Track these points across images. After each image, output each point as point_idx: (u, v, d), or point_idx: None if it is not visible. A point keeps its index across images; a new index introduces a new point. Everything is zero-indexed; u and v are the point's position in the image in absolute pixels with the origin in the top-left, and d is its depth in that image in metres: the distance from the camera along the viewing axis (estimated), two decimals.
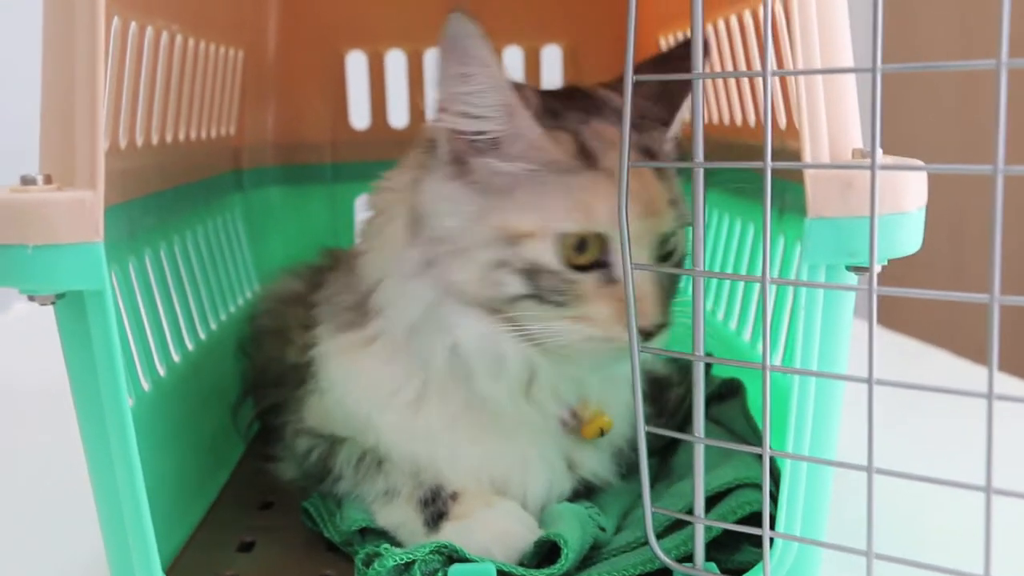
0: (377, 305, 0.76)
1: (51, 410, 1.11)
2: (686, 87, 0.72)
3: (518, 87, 0.71)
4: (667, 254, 0.72)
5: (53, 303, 0.58)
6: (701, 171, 0.58)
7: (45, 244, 0.55)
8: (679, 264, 0.73)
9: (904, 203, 0.57)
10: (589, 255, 0.69)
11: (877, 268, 0.55)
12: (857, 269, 0.59)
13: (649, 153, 0.71)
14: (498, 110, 0.68)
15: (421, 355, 0.74)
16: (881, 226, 0.55)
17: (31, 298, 0.58)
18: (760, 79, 0.77)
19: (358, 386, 0.77)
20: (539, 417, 0.75)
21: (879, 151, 0.52)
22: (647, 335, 0.67)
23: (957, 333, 1.56)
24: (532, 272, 0.69)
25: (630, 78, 0.58)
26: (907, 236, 0.58)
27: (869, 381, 0.53)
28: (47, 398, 1.16)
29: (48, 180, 0.58)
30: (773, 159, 0.54)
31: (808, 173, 0.56)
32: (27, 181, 0.57)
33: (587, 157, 0.69)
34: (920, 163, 0.56)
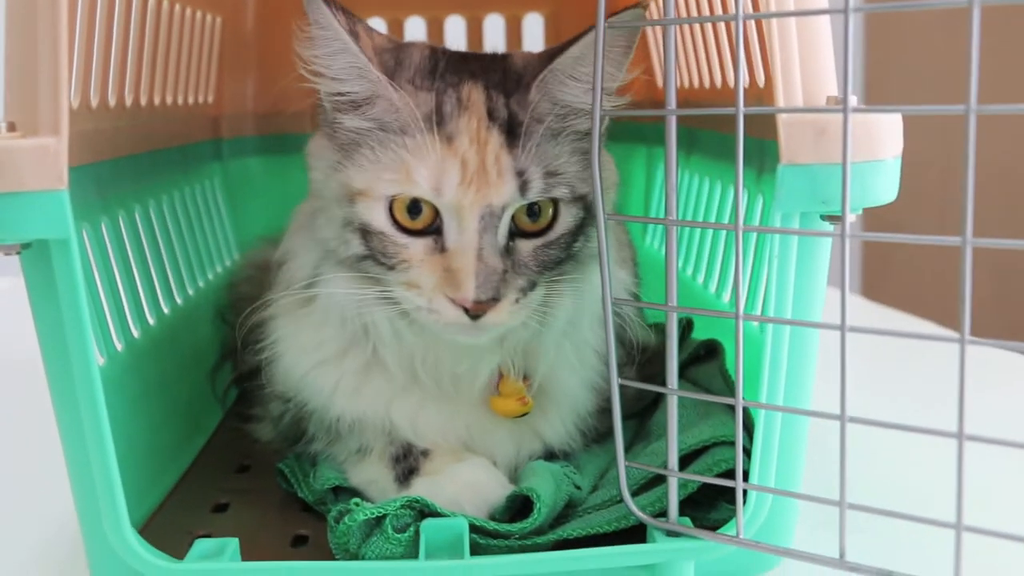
0: (281, 257, 0.78)
1: (29, 382, 1.11)
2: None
3: (393, 48, 0.71)
4: (538, 231, 0.69)
5: (19, 253, 0.58)
6: (673, 119, 0.58)
7: (8, 191, 0.55)
8: (559, 242, 0.70)
9: (879, 150, 0.57)
10: (422, 220, 0.68)
11: (851, 217, 0.54)
12: (831, 219, 0.58)
13: (508, 119, 0.68)
14: (350, 71, 0.69)
15: (331, 315, 0.74)
16: (855, 173, 0.55)
17: None
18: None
19: (293, 348, 0.78)
20: (459, 386, 0.75)
21: (852, 97, 0.52)
22: (472, 315, 0.66)
23: (941, 306, 1.55)
24: (366, 232, 0.69)
25: (602, 31, 0.57)
26: (882, 184, 0.57)
27: (842, 328, 0.52)
28: (26, 371, 1.16)
29: (12, 128, 0.57)
30: (751, 117, 0.53)
31: (781, 119, 0.56)
32: None
33: (437, 120, 0.68)
34: (892, 106, 0.55)
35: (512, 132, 0.68)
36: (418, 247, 0.68)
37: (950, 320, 1.36)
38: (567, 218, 0.70)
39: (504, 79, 0.71)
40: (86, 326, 0.58)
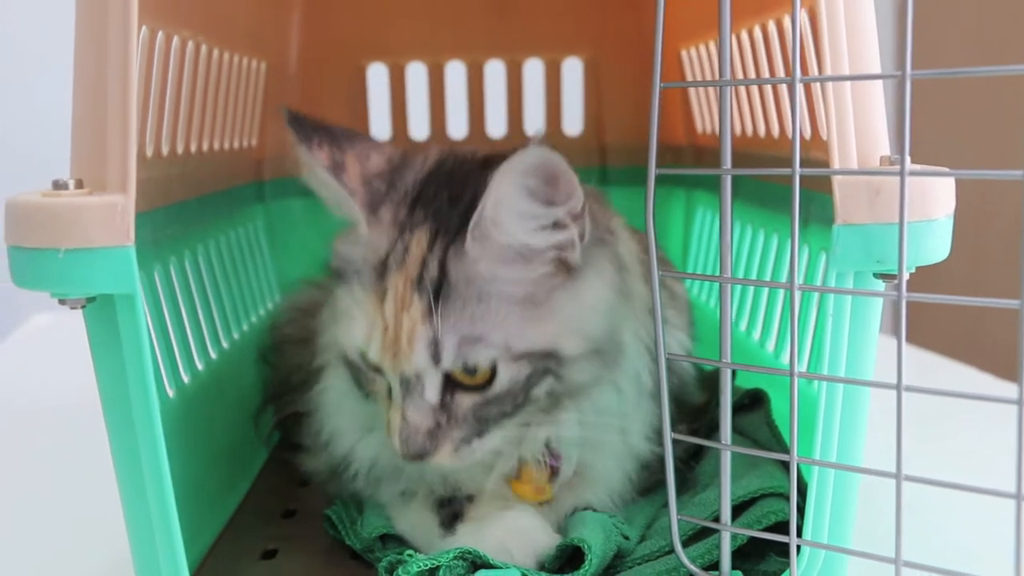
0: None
1: (71, 420, 1.13)
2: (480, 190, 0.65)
3: (391, 169, 0.72)
4: (476, 386, 0.67)
5: (83, 307, 0.59)
6: (728, 177, 0.59)
7: (77, 248, 0.56)
8: (501, 399, 0.67)
9: (932, 210, 0.57)
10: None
11: (905, 275, 0.55)
12: (885, 276, 0.59)
13: (438, 278, 0.66)
14: (336, 201, 0.71)
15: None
16: (910, 233, 0.55)
17: (62, 302, 0.58)
18: (786, 88, 0.77)
19: (333, 402, 0.80)
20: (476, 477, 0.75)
21: (907, 158, 0.52)
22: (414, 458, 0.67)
23: (980, 348, 1.55)
24: (347, 361, 0.72)
25: (657, 88, 0.58)
26: (935, 243, 0.58)
27: (898, 387, 0.53)
28: (65, 408, 1.18)
29: (79, 184, 0.58)
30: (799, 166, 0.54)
31: (836, 180, 0.56)
32: (59, 186, 0.58)
33: (379, 272, 0.68)
34: (947, 170, 0.56)
35: (438, 293, 0.65)
36: (382, 385, 0.70)
37: (987, 358, 1.36)
38: (505, 378, 0.66)
39: (464, 213, 0.67)
40: (150, 378, 0.59)
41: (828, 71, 0.59)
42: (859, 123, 0.59)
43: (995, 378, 1.26)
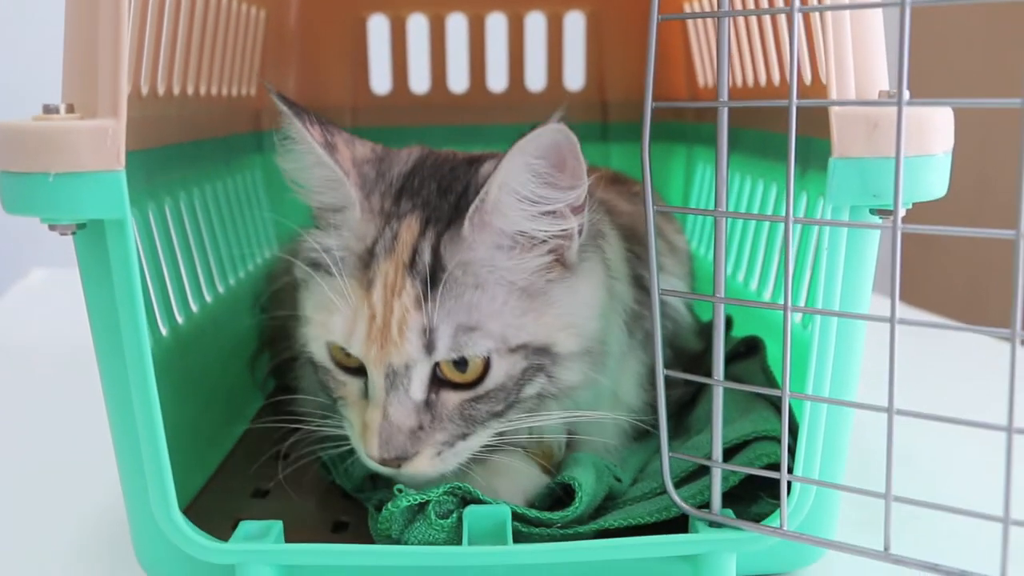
0: None
1: (68, 370, 1.13)
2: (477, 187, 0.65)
3: (376, 159, 0.70)
4: (466, 383, 0.65)
5: (73, 233, 0.58)
6: (725, 110, 0.58)
7: (67, 172, 0.55)
8: (492, 396, 0.65)
9: (930, 145, 0.57)
10: (354, 360, 0.66)
11: (901, 211, 0.54)
12: (881, 212, 0.58)
13: (432, 263, 0.64)
14: (326, 184, 0.68)
15: None
16: (907, 168, 0.54)
17: (52, 227, 0.58)
18: (785, 25, 0.76)
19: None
20: None
21: (905, 91, 0.52)
22: (386, 464, 0.64)
23: (979, 312, 1.55)
24: (314, 364, 0.69)
25: (655, 20, 0.57)
26: (933, 179, 0.57)
27: (891, 320, 0.52)
28: (61, 356, 1.18)
29: (70, 109, 0.58)
30: (797, 114, 0.53)
31: (834, 112, 0.56)
32: (49, 110, 0.57)
33: (366, 261, 0.66)
34: (945, 99, 0.55)
35: (430, 281, 0.63)
36: (354, 387, 0.67)
37: (985, 321, 1.35)
38: (499, 372, 0.65)
39: (458, 202, 0.66)
40: (139, 307, 0.59)
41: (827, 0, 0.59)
42: (858, 57, 0.58)
43: (994, 340, 1.26)
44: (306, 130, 0.66)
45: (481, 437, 0.67)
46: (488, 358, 0.64)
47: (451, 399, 0.65)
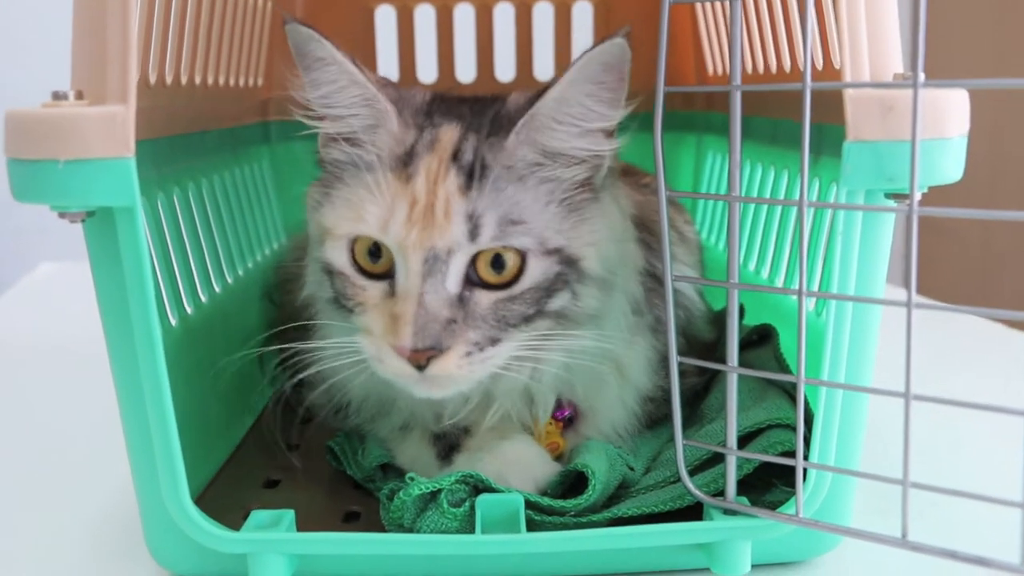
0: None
1: (77, 363, 1.12)
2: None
3: (391, 84, 0.71)
4: (500, 283, 0.65)
5: (83, 220, 0.58)
6: (738, 93, 0.58)
7: (76, 159, 0.55)
8: (524, 297, 0.66)
9: (946, 128, 0.56)
10: (381, 264, 0.66)
11: (917, 196, 0.54)
12: (896, 196, 0.58)
13: (474, 161, 0.65)
14: (357, 104, 0.68)
15: None
16: (922, 151, 0.54)
17: (61, 215, 0.57)
18: (797, 12, 0.75)
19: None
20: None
21: (921, 73, 0.51)
22: (416, 365, 0.63)
23: (990, 300, 1.54)
24: (331, 273, 0.68)
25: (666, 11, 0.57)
26: (948, 162, 0.56)
27: (908, 304, 0.52)
28: (72, 352, 1.18)
29: (79, 96, 0.57)
30: (810, 99, 0.53)
31: (848, 95, 0.55)
32: (58, 96, 0.57)
33: (405, 160, 0.66)
34: (961, 81, 0.55)
35: (476, 174, 0.65)
36: (375, 291, 0.66)
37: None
38: (535, 272, 0.66)
39: (493, 122, 0.68)
40: (149, 294, 0.59)
41: None
42: (872, 39, 0.58)
43: (1006, 327, 1.25)
44: (336, 49, 0.66)
45: (508, 347, 0.66)
46: (524, 256, 0.65)
47: (485, 299, 0.65)
